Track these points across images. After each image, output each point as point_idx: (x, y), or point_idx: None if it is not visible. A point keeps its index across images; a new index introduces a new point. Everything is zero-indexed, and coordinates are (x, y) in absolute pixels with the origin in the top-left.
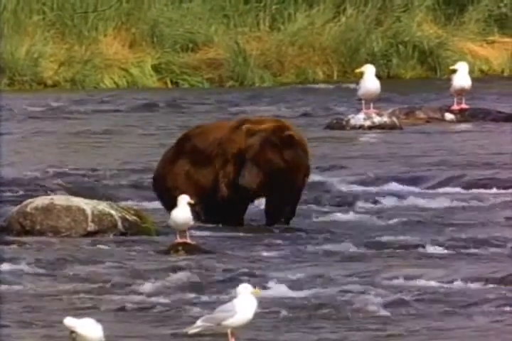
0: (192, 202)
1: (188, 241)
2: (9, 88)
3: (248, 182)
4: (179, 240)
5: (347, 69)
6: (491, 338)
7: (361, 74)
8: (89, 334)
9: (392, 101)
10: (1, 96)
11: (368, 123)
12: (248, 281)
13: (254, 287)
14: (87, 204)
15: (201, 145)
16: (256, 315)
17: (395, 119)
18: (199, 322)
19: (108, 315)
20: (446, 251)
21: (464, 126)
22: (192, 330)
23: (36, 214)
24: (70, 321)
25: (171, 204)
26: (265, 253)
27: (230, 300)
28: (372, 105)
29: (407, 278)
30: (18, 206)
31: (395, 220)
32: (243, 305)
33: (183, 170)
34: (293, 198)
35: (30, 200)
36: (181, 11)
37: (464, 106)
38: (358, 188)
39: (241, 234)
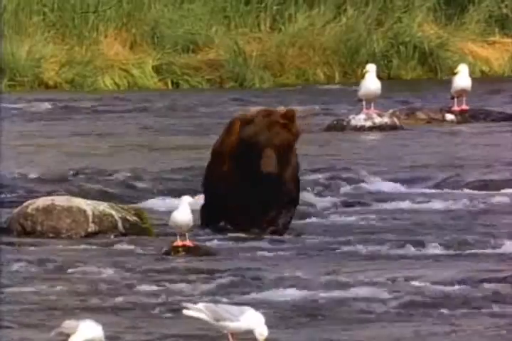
0: (199, 200)
1: (188, 243)
2: (10, 89)
3: None
4: (179, 242)
5: (347, 70)
6: (495, 339)
7: (363, 74)
8: (89, 335)
9: (392, 102)
10: (0, 97)
11: (368, 123)
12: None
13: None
14: (87, 205)
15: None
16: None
17: (395, 120)
18: (201, 305)
19: (108, 316)
20: (448, 252)
21: (464, 126)
22: (190, 312)
23: (37, 214)
24: (69, 324)
25: None
26: (267, 255)
27: (236, 302)
28: (372, 106)
29: (408, 279)
30: (19, 207)
31: (396, 221)
32: (250, 318)
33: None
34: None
35: (30, 201)
36: (182, 11)
37: (464, 107)
38: (358, 189)
39: (243, 235)
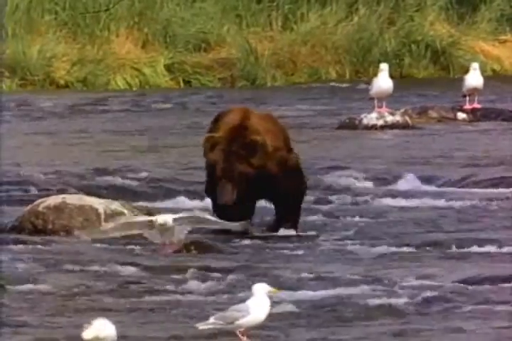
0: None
1: (199, 241)
2: (21, 88)
3: None
4: (189, 241)
5: (359, 68)
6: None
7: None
8: (102, 334)
9: (404, 101)
10: (2, 96)
11: (380, 122)
12: (261, 280)
13: (271, 286)
14: (99, 204)
15: None
16: (269, 315)
17: (407, 118)
18: (212, 319)
19: (120, 315)
20: (456, 250)
21: (476, 125)
22: (203, 326)
23: (48, 213)
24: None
25: None
26: (277, 253)
27: (244, 299)
28: (384, 104)
29: (417, 277)
30: (30, 205)
31: (406, 219)
32: (257, 306)
33: None
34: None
35: (42, 199)
36: (194, 10)
37: (476, 105)
38: (369, 187)
39: (253, 234)
